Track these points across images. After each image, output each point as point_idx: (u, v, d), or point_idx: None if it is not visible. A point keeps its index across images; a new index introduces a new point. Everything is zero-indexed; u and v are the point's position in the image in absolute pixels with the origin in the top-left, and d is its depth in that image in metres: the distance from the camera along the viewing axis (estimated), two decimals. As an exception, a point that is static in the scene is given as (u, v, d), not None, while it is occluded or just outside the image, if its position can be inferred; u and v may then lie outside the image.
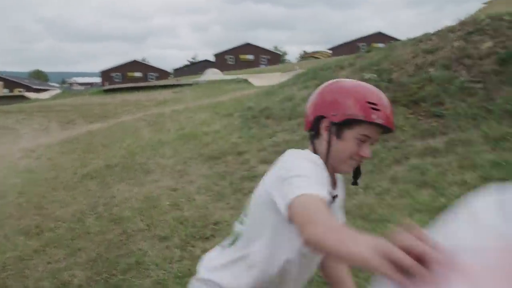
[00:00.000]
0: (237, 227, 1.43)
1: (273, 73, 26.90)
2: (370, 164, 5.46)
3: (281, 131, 7.44)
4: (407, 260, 0.65)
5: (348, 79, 1.43)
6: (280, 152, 1.41)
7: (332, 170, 1.35)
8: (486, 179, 4.68)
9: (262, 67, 48.64)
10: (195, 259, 3.67)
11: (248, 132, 8.03)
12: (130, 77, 63.37)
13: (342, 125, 1.29)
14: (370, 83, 1.40)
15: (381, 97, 1.31)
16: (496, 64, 6.60)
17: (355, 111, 1.27)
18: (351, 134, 1.29)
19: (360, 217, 4.31)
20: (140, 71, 69.72)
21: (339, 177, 1.47)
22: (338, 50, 54.14)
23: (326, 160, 1.32)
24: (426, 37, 8.30)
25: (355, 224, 4.09)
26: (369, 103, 1.26)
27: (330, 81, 1.41)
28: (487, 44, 7.02)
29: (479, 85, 6.41)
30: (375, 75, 7.44)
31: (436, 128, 5.93)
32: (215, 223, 4.56)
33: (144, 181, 6.42)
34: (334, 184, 1.41)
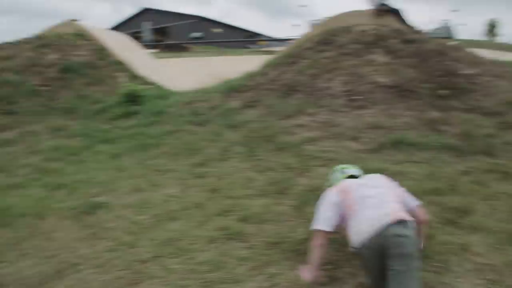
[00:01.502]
0: None
1: None
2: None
3: None
4: None
5: None
6: None
7: None
8: (47, 160, 6.42)
9: None
10: None
11: None
12: None
13: None
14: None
15: None
16: (58, 72, 8.78)
17: None
18: None
19: None
20: None
21: None
22: None
23: None
24: (3, 45, 9.56)
25: None
26: None
27: None
28: (53, 56, 9.11)
29: (45, 88, 8.39)
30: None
31: (10, 123, 7.38)
32: None
33: None
34: None
